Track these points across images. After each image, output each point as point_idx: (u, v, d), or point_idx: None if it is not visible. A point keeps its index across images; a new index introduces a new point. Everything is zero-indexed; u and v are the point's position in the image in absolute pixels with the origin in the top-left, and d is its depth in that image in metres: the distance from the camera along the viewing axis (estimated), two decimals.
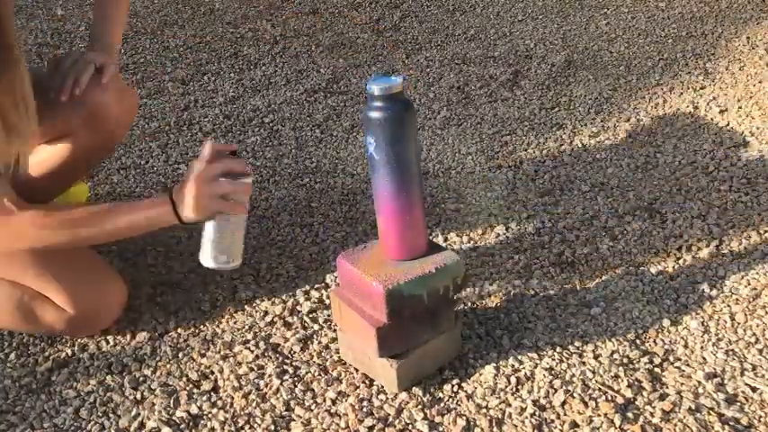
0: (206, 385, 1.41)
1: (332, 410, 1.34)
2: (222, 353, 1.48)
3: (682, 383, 1.35)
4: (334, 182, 2.09)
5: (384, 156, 1.27)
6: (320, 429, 1.30)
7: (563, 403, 1.32)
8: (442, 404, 1.33)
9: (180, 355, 1.49)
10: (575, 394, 1.34)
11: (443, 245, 1.76)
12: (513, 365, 1.41)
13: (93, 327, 1.54)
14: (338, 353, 1.46)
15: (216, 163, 1.35)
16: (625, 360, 1.41)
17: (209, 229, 1.40)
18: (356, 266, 1.34)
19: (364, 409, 1.33)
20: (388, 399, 1.35)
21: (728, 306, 1.54)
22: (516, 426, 1.28)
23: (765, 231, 1.77)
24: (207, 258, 1.42)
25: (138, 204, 1.40)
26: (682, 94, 2.49)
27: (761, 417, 1.28)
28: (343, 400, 1.36)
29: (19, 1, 3.55)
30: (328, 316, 1.56)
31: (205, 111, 2.52)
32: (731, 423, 1.26)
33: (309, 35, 3.10)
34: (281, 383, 1.40)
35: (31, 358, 1.49)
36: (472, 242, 1.80)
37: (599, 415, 1.29)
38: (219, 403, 1.37)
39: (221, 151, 1.37)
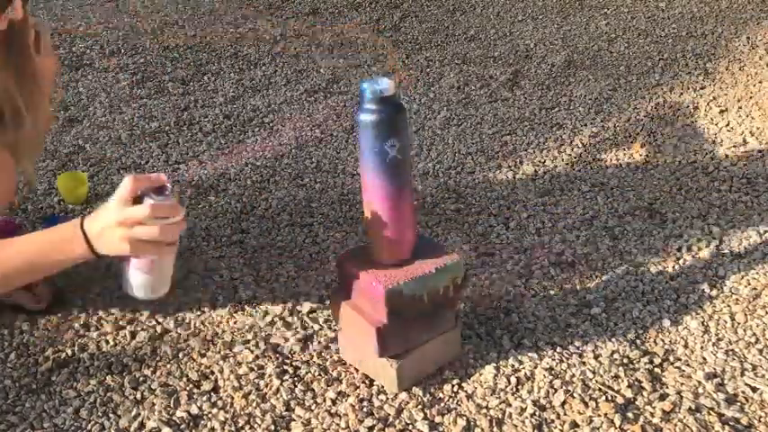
0: (206, 385, 1.41)
1: (332, 410, 1.34)
2: (222, 353, 1.48)
3: (682, 383, 1.35)
4: (334, 182, 2.09)
5: (374, 159, 1.27)
6: (320, 429, 1.30)
7: (563, 403, 1.32)
8: (442, 404, 1.33)
9: (180, 355, 1.49)
10: (575, 394, 1.34)
11: (443, 245, 1.76)
12: (513, 365, 1.41)
13: None
14: (338, 353, 1.46)
15: (138, 207, 1.20)
16: (625, 360, 1.41)
17: (134, 263, 1.27)
18: (356, 266, 1.34)
19: (364, 409, 1.33)
20: (388, 399, 1.35)
21: (728, 306, 1.54)
22: (516, 426, 1.28)
23: (765, 231, 1.77)
24: (137, 290, 1.30)
25: (45, 234, 1.29)
26: (682, 94, 2.49)
27: (761, 417, 1.28)
28: (343, 400, 1.36)
29: None
30: (328, 316, 1.56)
31: (205, 111, 2.52)
32: (731, 423, 1.26)
33: (309, 35, 3.10)
34: (281, 383, 1.40)
35: (31, 358, 1.49)
36: (472, 242, 1.80)
37: (599, 415, 1.29)
38: (219, 403, 1.37)
39: (146, 187, 1.21)
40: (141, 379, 1.43)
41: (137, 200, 1.21)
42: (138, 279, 1.28)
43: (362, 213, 1.35)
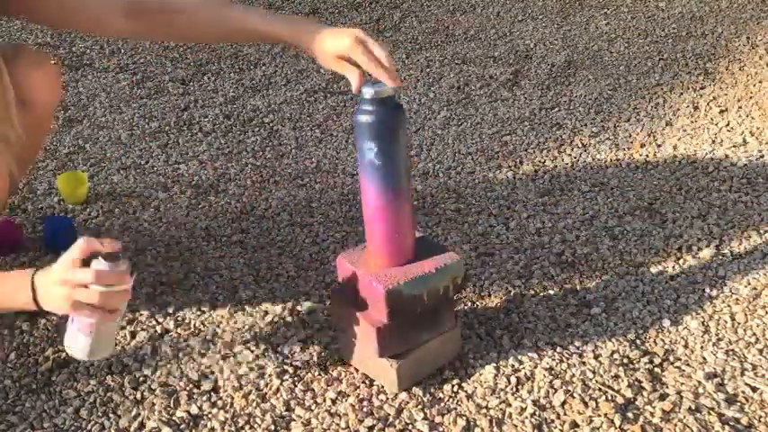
0: (206, 385, 1.41)
1: (332, 410, 1.34)
2: (222, 353, 1.48)
3: (682, 383, 1.35)
4: (334, 182, 2.09)
5: (372, 160, 1.26)
6: (320, 429, 1.30)
7: (563, 403, 1.32)
8: (442, 404, 1.33)
9: (180, 355, 1.49)
10: (575, 394, 1.34)
11: (443, 245, 1.76)
12: (513, 365, 1.41)
13: None
14: (338, 353, 1.46)
15: (83, 270, 1.18)
16: (625, 360, 1.41)
17: (77, 324, 1.24)
18: (356, 266, 1.34)
19: (364, 409, 1.33)
20: (388, 399, 1.35)
21: (728, 306, 1.54)
22: (516, 426, 1.28)
23: (765, 231, 1.77)
24: (75, 350, 1.26)
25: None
26: (682, 94, 2.49)
27: (761, 417, 1.28)
28: (343, 400, 1.36)
29: None
30: (328, 316, 1.56)
31: (205, 111, 2.52)
32: (731, 423, 1.26)
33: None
34: (281, 383, 1.40)
35: (31, 358, 1.49)
36: (472, 242, 1.80)
37: (599, 415, 1.29)
38: (219, 403, 1.37)
39: (97, 251, 1.19)
40: (141, 379, 1.43)
41: (87, 262, 1.19)
42: (77, 340, 1.25)
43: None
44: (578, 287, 1.62)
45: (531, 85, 2.61)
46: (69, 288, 1.18)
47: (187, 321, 1.58)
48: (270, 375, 1.42)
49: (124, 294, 1.22)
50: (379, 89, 1.24)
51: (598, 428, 1.27)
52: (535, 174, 2.08)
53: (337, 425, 1.31)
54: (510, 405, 1.32)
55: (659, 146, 2.18)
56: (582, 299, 1.58)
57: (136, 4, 1.40)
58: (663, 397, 1.32)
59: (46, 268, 1.23)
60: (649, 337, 1.47)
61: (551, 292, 1.61)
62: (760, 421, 1.27)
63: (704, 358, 1.41)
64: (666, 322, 1.50)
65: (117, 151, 2.27)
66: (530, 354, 1.43)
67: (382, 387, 1.37)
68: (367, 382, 1.39)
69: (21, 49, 1.52)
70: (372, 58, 1.26)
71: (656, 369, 1.39)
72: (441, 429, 1.29)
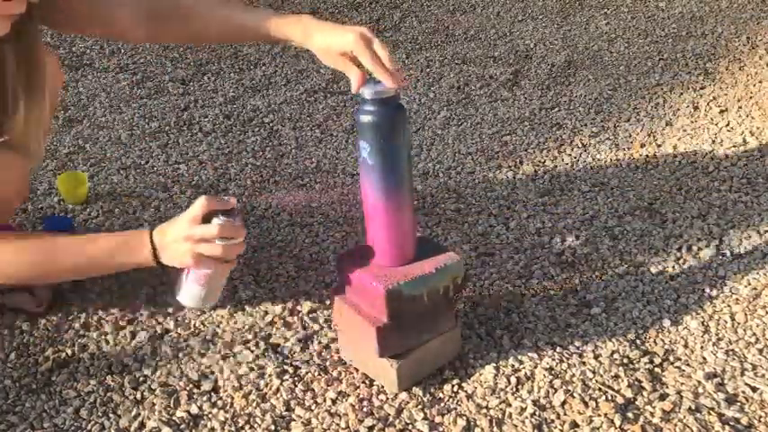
0: (206, 385, 1.41)
1: (332, 410, 1.34)
2: (222, 353, 1.48)
3: (682, 383, 1.35)
4: (334, 182, 2.09)
5: (374, 161, 1.26)
6: (320, 429, 1.30)
7: (563, 403, 1.32)
8: (442, 404, 1.33)
9: (180, 355, 1.49)
10: (575, 394, 1.34)
11: (443, 245, 1.76)
12: (513, 365, 1.41)
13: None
14: (338, 353, 1.46)
15: (207, 226, 1.30)
16: (625, 360, 1.41)
17: (193, 275, 1.36)
18: (356, 266, 1.34)
19: (364, 409, 1.33)
20: (388, 399, 1.35)
21: (728, 306, 1.54)
22: (516, 426, 1.28)
23: (765, 231, 1.77)
24: (188, 300, 1.39)
25: (113, 236, 1.37)
26: (682, 94, 2.49)
27: (761, 417, 1.28)
28: (344, 400, 1.36)
29: None
30: (328, 316, 1.56)
31: (205, 111, 2.52)
32: (731, 423, 1.26)
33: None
34: (281, 383, 1.40)
35: (31, 358, 1.49)
36: (472, 242, 1.80)
37: (599, 415, 1.29)
38: (219, 403, 1.37)
39: (215, 210, 1.31)
40: (141, 379, 1.43)
41: (205, 218, 1.31)
42: (192, 290, 1.37)
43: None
44: (578, 287, 1.62)
45: (531, 85, 2.61)
46: (192, 243, 1.30)
47: (187, 321, 1.58)
48: (270, 375, 1.42)
49: (240, 246, 1.34)
50: (379, 89, 1.24)
51: (598, 428, 1.27)
52: (535, 174, 2.08)
53: (337, 425, 1.31)
54: (510, 405, 1.32)
55: (659, 146, 2.18)
56: (582, 299, 1.58)
57: (156, 15, 1.43)
58: (663, 397, 1.32)
59: (161, 227, 1.34)
60: (649, 337, 1.47)
61: (551, 292, 1.61)
62: (760, 421, 1.27)
63: (704, 358, 1.41)
64: (666, 322, 1.50)
65: (117, 151, 2.27)
66: (530, 354, 1.43)
67: (382, 387, 1.37)
68: (367, 382, 1.39)
69: None
70: (376, 58, 1.26)
71: (656, 369, 1.39)
72: (441, 429, 1.29)
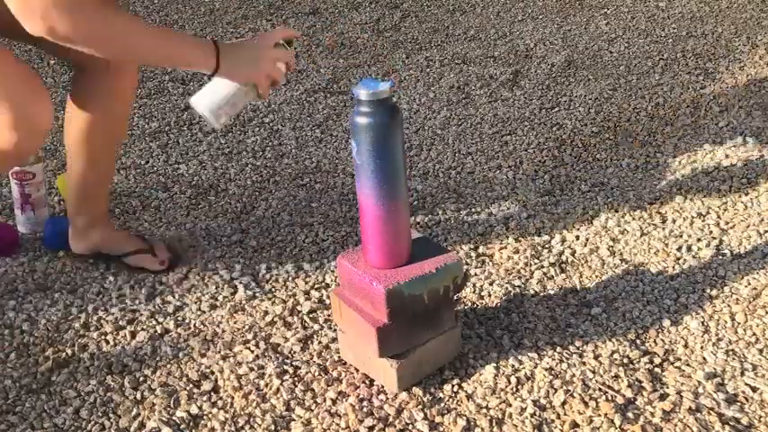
0: (206, 385, 1.41)
1: (332, 410, 1.34)
2: (222, 353, 1.48)
3: (682, 383, 1.35)
4: (334, 182, 2.09)
5: (367, 161, 1.26)
6: (320, 429, 1.30)
7: (563, 403, 1.32)
8: (442, 404, 1.33)
9: (180, 355, 1.49)
10: (575, 394, 1.34)
11: (443, 245, 1.76)
12: (513, 365, 1.41)
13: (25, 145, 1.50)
14: (338, 353, 1.46)
15: (290, 52, 1.43)
16: (625, 360, 1.41)
17: (228, 90, 1.41)
18: (356, 266, 1.34)
19: (364, 409, 1.33)
20: (388, 399, 1.35)
21: (728, 306, 1.54)
22: (516, 426, 1.28)
23: (765, 231, 1.77)
24: (208, 109, 1.42)
25: (188, 40, 1.51)
26: (682, 94, 2.49)
27: (761, 417, 1.28)
28: (344, 400, 1.36)
29: None
30: (328, 316, 1.56)
31: None
32: (731, 423, 1.26)
33: (309, 35, 3.10)
34: (281, 383, 1.40)
35: (31, 358, 1.49)
36: (472, 242, 1.80)
37: (599, 415, 1.29)
38: (219, 403, 1.37)
39: (289, 36, 1.45)
40: (141, 379, 1.43)
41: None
42: (224, 104, 1.41)
43: None
44: (578, 287, 1.62)
45: (531, 84, 2.61)
46: (270, 63, 1.40)
47: (187, 321, 1.58)
48: (270, 375, 1.42)
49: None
50: (373, 90, 1.24)
51: (598, 428, 1.27)
52: (535, 174, 2.08)
53: (337, 425, 1.31)
54: (510, 405, 1.32)
55: (659, 146, 2.18)
56: (582, 299, 1.58)
57: None
58: (663, 397, 1.32)
59: (228, 44, 1.41)
60: (649, 337, 1.47)
61: (551, 292, 1.61)
62: (760, 421, 1.27)
63: (704, 358, 1.41)
64: (666, 322, 1.50)
65: (117, 151, 2.27)
66: (530, 354, 1.43)
67: (382, 387, 1.37)
68: (367, 382, 1.39)
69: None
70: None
71: (656, 369, 1.39)
72: (441, 429, 1.29)
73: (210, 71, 1.37)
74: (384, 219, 1.31)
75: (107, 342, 1.53)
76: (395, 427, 1.29)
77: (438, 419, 1.30)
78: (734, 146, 2.15)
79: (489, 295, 1.61)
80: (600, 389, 1.35)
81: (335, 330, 1.49)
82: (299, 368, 1.43)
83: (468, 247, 1.78)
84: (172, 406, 1.37)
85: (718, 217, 1.83)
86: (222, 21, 3.31)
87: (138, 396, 1.40)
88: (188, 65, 1.45)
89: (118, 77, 1.62)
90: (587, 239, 1.78)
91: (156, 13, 3.40)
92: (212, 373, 1.44)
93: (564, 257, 1.72)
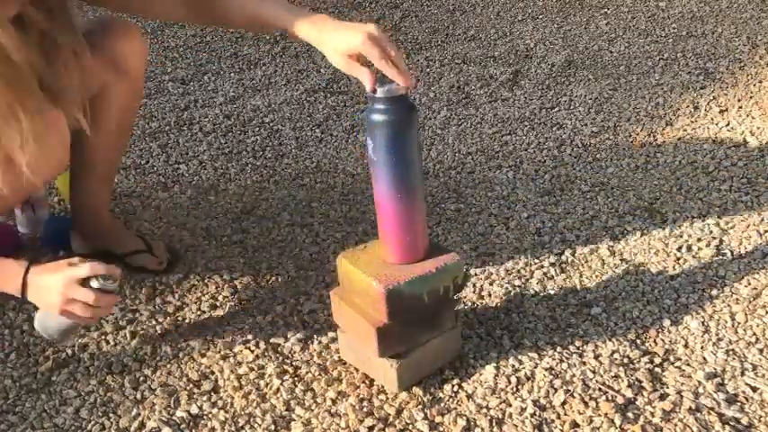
0: (206, 385, 1.41)
1: (332, 410, 1.34)
2: (222, 353, 1.48)
3: (682, 383, 1.35)
4: (335, 182, 2.09)
5: (385, 159, 1.27)
6: (320, 429, 1.30)
7: (563, 403, 1.32)
8: (442, 404, 1.33)
9: (180, 355, 1.49)
10: (575, 394, 1.34)
11: (443, 245, 1.76)
12: (513, 365, 1.41)
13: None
14: (338, 353, 1.46)
15: (85, 291, 1.31)
16: (625, 360, 1.41)
17: (54, 317, 1.37)
18: (356, 266, 1.34)
19: (364, 409, 1.33)
20: (388, 399, 1.35)
21: (728, 306, 1.54)
22: (516, 426, 1.28)
23: (765, 231, 1.77)
24: (42, 330, 1.41)
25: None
26: (682, 94, 2.49)
27: (761, 417, 1.28)
28: (344, 400, 1.36)
29: None
30: (328, 316, 1.56)
31: (205, 111, 2.52)
32: (731, 423, 1.26)
33: None
34: (281, 383, 1.40)
35: (31, 358, 1.49)
36: (472, 242, 1.80)
37: (599, 415, 1.29)
38: (220, 403, 1.37)
39: (96, 273, 1.33)
40: (141, 379, 1.43)
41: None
42: (47, 326, 1.40)
43: (372, 212, 1.35)
44: (578, 287, 1.62)
45: (531, 84, 2.61)
46: (66, 300, 1.31)
47: (187, 321, 1.58)
48: (270, 375, 1.42)
49: (108, 310, 1.43)
50: (389, 88, 1.24)
51: (598, 428, 1.27)
52: (535, 174, 2.08)
53: (337, 425, 1.31)
54: (510, 405, 1.32)
55: (659, 146, 2.18)
56: (582, 299, 1.58)
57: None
58: (663, 397, 1.32)
59: (40, 268, 1.34)
60: (649, 337, 1.47)
61: (551, 292, 1.61)
62: (760, 421, 1.27)
63: (704, 358, 1.41)
64: (666, 322, 1.50)
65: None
66: (530, 354, 1.43)
67: (382, 387, 1.37)
68: (367, 382, 1.39)
69: (108, 21, 1.60)
70: (384, 57, 1.24)
71: (657, 369, 1.39)
72: (441, 429, 1.29)
73: (19, 295, 1.34)
74: (401, 214, 1.31)
75: (107, 342, 1.53)
76: (395, 427, 1.29)
77: (438, 419, 1.30)
78: (734, 146, 2.15)
79: (489, 295, 1.61)
80: (600, 389, 1.35)
81: (335, 330, 1.49)
82: (299, 368, 1.43)
83: (468, 246, 1.78)
84: (172, 406, 1.37)
85: (718, 217, 1.83)
86: None
87: (138, 396, 1.40)
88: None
89: (120, 46, 1.58)
90: (587, 239, 1.78)
91: None
92: (212, 373, 1.44)
93: (564, 257, 1.72)
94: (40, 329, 1.41)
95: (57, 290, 1.31)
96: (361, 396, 1.36)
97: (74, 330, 1.42)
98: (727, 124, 2.27)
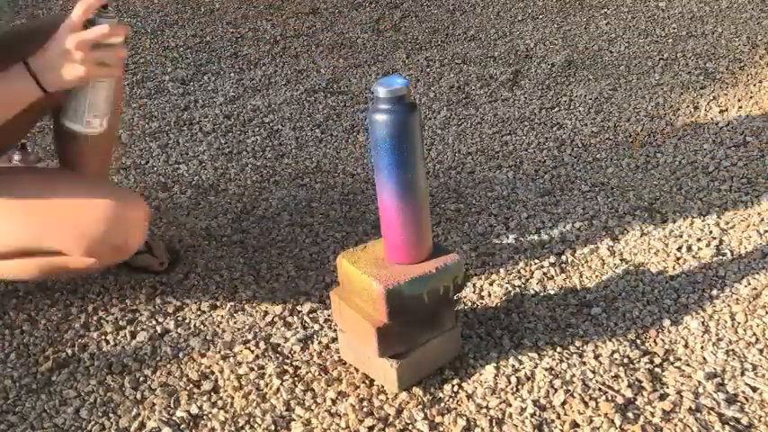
0: (206, 385, 1.41)
1: (332, 410, 1.34)
2: (222, 353, 1.48)
3: (682, 383, 1.35)
4: (334, 182, 2.09)
5: (387, 158, 1.27)
6: (320, 429, 1.30)
7: (563, 403, 1.32)
8: (442, 404, 1.33)
9: (180, 355, 1.49)
10: (575, 394, 1.34)
11: (444, 245, 1.76)
12: (513, 365, 1.41)
13: (120, 251, 1.42)
14: (338, 353, 1.46)
15: (99, 27, 1.21)
16: (625, 360, 1.41)
17: (81, 93, 1.29)
18: (356, 266, 1.34)
19: (364, 409, 1.33)
20: (388, 399, 1.35)
21: (728, 306, 1.54)
22: (516, 426, 1.28)
23: (765, 231, 1.77)
24: (77, 123, 1.32)
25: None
26: (682, 94, 2.49)
27: (761, 417, 1.28)
28: (344, 400, 1.36)
29: (20, 0, 3.55)
30: (328, 316, 1.56)
31: (205, 111, 2.52)
32: (731, 423, 1.26)
33: (309, 35, 3.10)
34: (281, 383, 1.40)
35: (31, 358, 1.49)
36: (472, 242, 1.80)
37: (599, 415, 1.29)
38: (220, 403, 1.37)
39: (92, 6, 1.22)
40: (141, 379, 1.43)
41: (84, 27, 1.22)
42: (89, 110, 1.30)
43: (372, 212, 1.35)
44: (578, 287, 1.62)
45: (531, 84, 2.61)
46: (83, 53, 1.20)
47: (187, 321, 1.58)
48: (270, 375, 1.42)
49: (125, 49, 1.27)
50: (392, 87, 1.24)
51: (598, 428, 1.27)
52: (535, 174, 2.08)
53: (337, 425, 1.31)
54: (510, 405, 1.32)
55: (659, 146, 2.18)
56: (582, 299, 1.58)
57: None
58: (663, 397, 1.32)
59: (37, 53, 1.23)
60: (649, 337, 1.47)
61: (551, 292, 1.61)
62: (760, 421, 1.27)
63: (704, 358, 1.41)
64: (666, 322, 1.50)
65: (117, 151, 2.27)
66: (530, 354, 1.43)
67: (382, 387, 1.37)
68: (367, 382, 1.39)
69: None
70: None
71: (657, 369, 1.39)
72: (441, 429, 1.29)
73: (40, 92, 1.25)
74: (404, 214, 1.31)
75: (107, 342, 1.53)
76: (395, 427, 1.29)
77: (438, 419, 1.30)
78: (734, 146, 2.15)
79: (489, 295, 1.61)
80: (600, 389, 1.35)
81: (335, 330, 1.49)
82: (299, 368, 1.43)
83: (468, 246, 1.78)
84: (172, 406, 1.37)
85: (718, 217, 1.83)
86: (222, 21, 3.31)
87: (139, 396, 1.40)
88: (19, 101, 1.28)
89: None
90: (587, 239, 1.78)
91: (155, 13, 3.40)
92: (212, 373, 1.44)
93: (564, 257, 1.72)
94: (76, 119, 1.30)
95: (69, 47, 1.20)
96: (361, 396, 1.36)
97: (105, 95, 1.31)
98: (727, 124, 2.27)
